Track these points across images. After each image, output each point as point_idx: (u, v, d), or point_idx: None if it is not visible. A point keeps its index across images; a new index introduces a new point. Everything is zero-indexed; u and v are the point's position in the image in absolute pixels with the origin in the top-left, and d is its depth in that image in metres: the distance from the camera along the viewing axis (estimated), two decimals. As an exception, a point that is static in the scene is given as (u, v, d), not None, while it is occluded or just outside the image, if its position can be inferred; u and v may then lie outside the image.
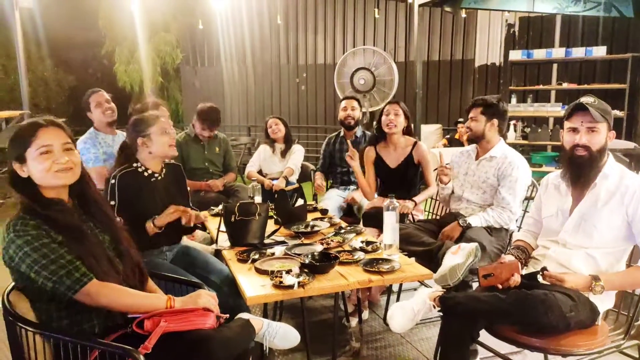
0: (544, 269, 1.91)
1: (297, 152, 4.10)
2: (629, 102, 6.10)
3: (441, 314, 1.97)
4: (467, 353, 1.91)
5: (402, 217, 2.87)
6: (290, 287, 1.90)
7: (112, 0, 9.53)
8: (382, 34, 8.67)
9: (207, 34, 9.65)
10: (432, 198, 3.28)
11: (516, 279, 1.90)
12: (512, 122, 6.74)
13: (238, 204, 2.44)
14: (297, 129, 7.97)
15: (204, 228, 2.96)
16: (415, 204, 3.08)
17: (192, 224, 2.34)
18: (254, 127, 9.40)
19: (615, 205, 1.91)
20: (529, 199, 2.75)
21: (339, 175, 3.82)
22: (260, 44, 9.43)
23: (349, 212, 3.63)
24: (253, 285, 1.96)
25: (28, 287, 1.53)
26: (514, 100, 6.73)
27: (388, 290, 3.03)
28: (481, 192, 2.74)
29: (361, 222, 3.14)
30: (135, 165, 2.32)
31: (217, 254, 2.51)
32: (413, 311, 1.96)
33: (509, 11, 7.07)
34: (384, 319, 2.85)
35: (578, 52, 6.29)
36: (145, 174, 2.33)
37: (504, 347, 1.95)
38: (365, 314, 2.97)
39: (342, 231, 2.65)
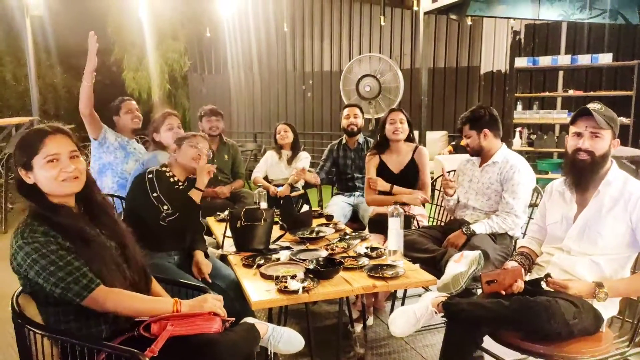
0: (547, 275, 1.91)
1: (304, 160, 4.11)
2: (636, 109, 6.05)
3: (445, 320, 1.98)
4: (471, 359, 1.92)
5: (408, 223, 2.89)
6: (295, 292, 1.92)
7: (120, 8, 9.61)
8: (387, 41, 8.69)
9: (215, 42, 9.72)
10: (437, 205, 3.29)
11: (519, 286, 1.90)
12: (517, 129, 6.72)
13: (244, 209, 2.47)
14: (302, 135, 7.96)
15: (209, 233, 2.99)
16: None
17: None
18: (260, 134, 9.44)
19: (619, 212, 1.91)
20: (533, 205, 2.75)
21: (344, 182, 3.84)
22: (267, 51, 9.49)
23: (354, 218, 3.66)
24: (258, 290, 1.98)
25: (36, 292, 1.55)
26: (519, 107, 6.71)
27: (392, 296, 3.03)
28: (486, 198, 2.75)
29: (367, 229, 3.16)
30: (164, 168, 2.47)
31: (223, 259, 2.53)
32: (415, 316, 1.97)
33: (514, 18, 7.06)
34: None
35: (584, 59, 6.27)
36: (171, 179, 2.46)
37: (507, 354, 1.95)
38: (370, 320, 2.98)
39: (347, 237, 2.67)
